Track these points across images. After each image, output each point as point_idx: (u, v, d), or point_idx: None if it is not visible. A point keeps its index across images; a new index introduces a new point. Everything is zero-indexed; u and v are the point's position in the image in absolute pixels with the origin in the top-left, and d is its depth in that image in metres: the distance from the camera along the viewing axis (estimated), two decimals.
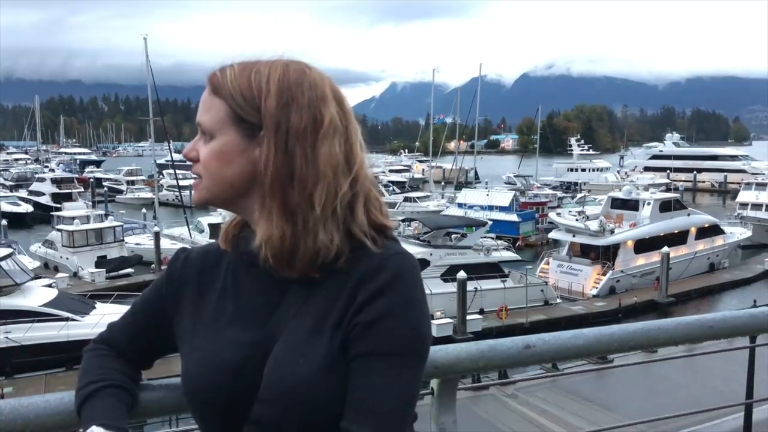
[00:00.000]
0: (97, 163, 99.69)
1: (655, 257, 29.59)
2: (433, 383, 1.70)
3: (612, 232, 30.75)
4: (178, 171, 47.40)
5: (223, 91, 1.04)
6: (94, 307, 20.98)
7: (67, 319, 19.59)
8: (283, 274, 1.05)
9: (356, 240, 1.05)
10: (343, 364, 1.00)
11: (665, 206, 33.08)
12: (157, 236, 33.36)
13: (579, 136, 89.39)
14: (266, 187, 1.03)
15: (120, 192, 66.95)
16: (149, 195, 55.54)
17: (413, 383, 1.02)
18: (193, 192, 1.19)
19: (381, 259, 1.03)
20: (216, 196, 1.08)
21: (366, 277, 1.01)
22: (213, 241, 1.22)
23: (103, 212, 39.36)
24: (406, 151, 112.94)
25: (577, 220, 32.38)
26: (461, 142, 77.41)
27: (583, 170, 71.79)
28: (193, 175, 1.11)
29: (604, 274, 29.45)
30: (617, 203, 34.18)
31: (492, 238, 30.99)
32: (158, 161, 53.81)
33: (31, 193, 57.58)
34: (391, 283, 1.01)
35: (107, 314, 19.12)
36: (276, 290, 1.07)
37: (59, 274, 29.98)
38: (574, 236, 31.32)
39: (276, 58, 1.07)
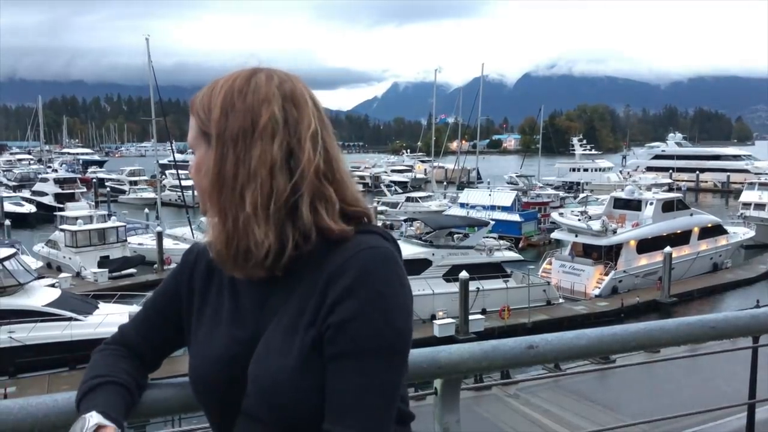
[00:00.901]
0: (100, 164, 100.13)
1: (657, 257, 29.54)
2: (437, 383, 1.71)
3: (614, 232, 30.70)
4: (180, 171, 47.26)
5: (193, 110, 1.10)
6: (97, 307, 21.04)
7: (70, 318, 19.63)
8: (236, 274, 1.09)
9: (331, 237, 1.05)
10: (317, 364, 1.01)
11: (668, 206, 33.01)
12: (159, 236, 33.42)
13: (581, 136, 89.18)
14: (207, 192, 1.07)
15: (123, 192, 66.97)
16: (152, 195, 55.61)
17: (393, 379, 1.02)
18: None
19: (349, 256, 1.03)
20: (205, 205, 1.12)
21: (335, 275, 1.02)
22: None
23: (105, 212, 39.52)
24: (408, 151, 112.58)
25: (579, 220, 32.32)
26: (463, 142, 77.43)
27: (586, 170, 71.76)
28: None
29: (606, 274, 29.42)
30: (620, 203, 34.11)
31: (494, 238, 30.94)
32: (161, 161, 53.91)
33: (34, 193, 57.77)
34: (359, 280, 1.01)
35: (110, 314, 19.21)
36: (264, 289, 1.09)
37: (62, 274, 30.06)
38: (576, 236, 31.29)
39: (250, 67, 1.10)
